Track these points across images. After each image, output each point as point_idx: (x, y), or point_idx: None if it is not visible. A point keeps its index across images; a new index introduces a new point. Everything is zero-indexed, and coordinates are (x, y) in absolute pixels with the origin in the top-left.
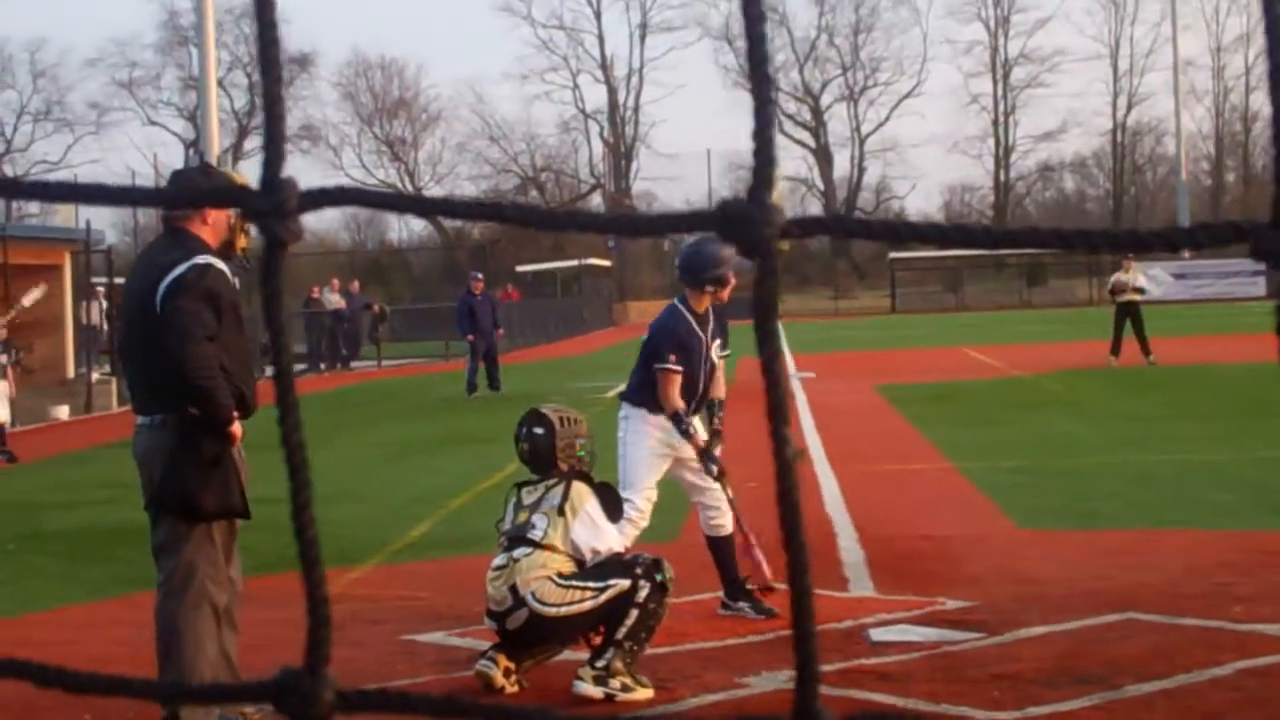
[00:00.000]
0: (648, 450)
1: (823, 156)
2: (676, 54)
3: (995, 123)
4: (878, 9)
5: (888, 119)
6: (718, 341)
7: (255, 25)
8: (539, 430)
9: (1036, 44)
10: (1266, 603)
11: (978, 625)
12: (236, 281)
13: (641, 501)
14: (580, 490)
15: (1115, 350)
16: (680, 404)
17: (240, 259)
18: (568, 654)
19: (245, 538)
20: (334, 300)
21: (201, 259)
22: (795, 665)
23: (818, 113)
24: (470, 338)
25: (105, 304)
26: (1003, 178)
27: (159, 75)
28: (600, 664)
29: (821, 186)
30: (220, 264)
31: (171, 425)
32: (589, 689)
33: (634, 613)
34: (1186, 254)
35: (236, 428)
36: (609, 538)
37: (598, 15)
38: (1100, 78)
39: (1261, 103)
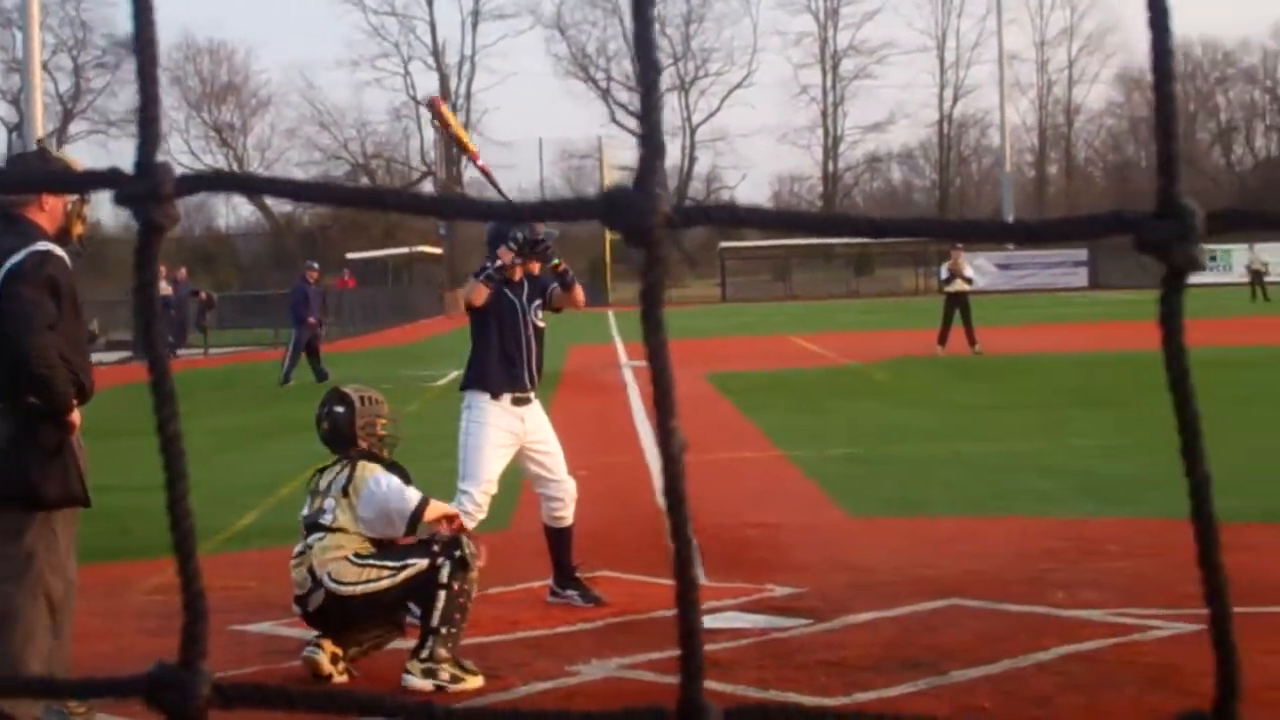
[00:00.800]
0: (490, 441)
1: None
2: (508, 42)
3: (824, 114)
4: (709, 0)
5: (718, 109)
6: (537, 302)
7: (131, 4)
8: (339, 409)
9: (865, 36)
10: (1087, 589)
11: (806, 612)
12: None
13: (479, 495)
14: (364, 469)
15: (942, 339)
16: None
17: (75, 245)
18: (398, 643)
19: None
20: (160, 287)
21: (41, 245)
22: (680, 657)
23: None
24: (312, 321)
25: None
26: (831, 168)
27: None
28: (424, 655)
29: None
30: (59, 251)
31: (9, 414)
32: (417, 682)
33: (441, 594)
34: (1011, 245)
35: (75, 416)
36: (406, 494)
37: (429, 2)
38: (927, 70)
39: (1085, 95)
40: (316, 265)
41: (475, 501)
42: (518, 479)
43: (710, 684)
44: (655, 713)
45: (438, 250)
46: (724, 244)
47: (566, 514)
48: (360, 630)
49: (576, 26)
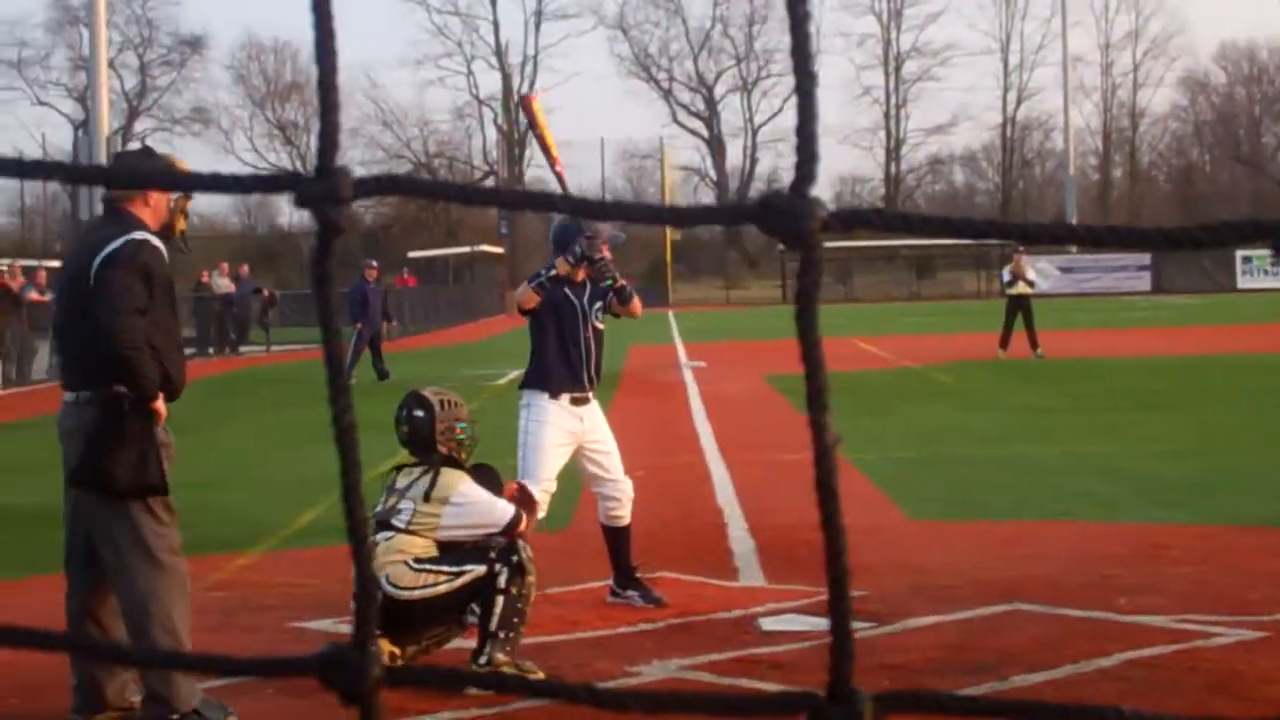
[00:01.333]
0: (549, 440)
1: (716, 146)
2: (571, 42)
3: (887, 115)
4: (772, 1)
5: (781, 110)
6: (598, 304)
7: (312, 14)
8: (419, 413)
9: (928, 38)
10: (1150, 594)
11: (868, 615)
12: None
13: (539, 493)
14: (449, 477)
15: (1004, 343)
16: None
17: (178, 241)
18: (459, 642)
19: None
20: (223, 284)
21: (138, 234)
22: (831, 644)
23: (711, 103)
24: (358, 325)
25: None
26: (893, 170)
27: (48, 55)
28: (482, 660)
29: (714, 176)
30: (156, 241)
31: (95, 402)
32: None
33: (500, 600)
34: (1074, 248)
35: (160, 405)
36: (498, 509)
37: (493, 1)
38: (991, 72)
39: (1149, 99)
40: (375, 263)
41: (547, 490)
42: (579, 479)
43: (772, 685)
44: (806, 695)
45: (499, 249)
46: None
47: (624, 514)
48: (418, 630)
49: (639, 27)
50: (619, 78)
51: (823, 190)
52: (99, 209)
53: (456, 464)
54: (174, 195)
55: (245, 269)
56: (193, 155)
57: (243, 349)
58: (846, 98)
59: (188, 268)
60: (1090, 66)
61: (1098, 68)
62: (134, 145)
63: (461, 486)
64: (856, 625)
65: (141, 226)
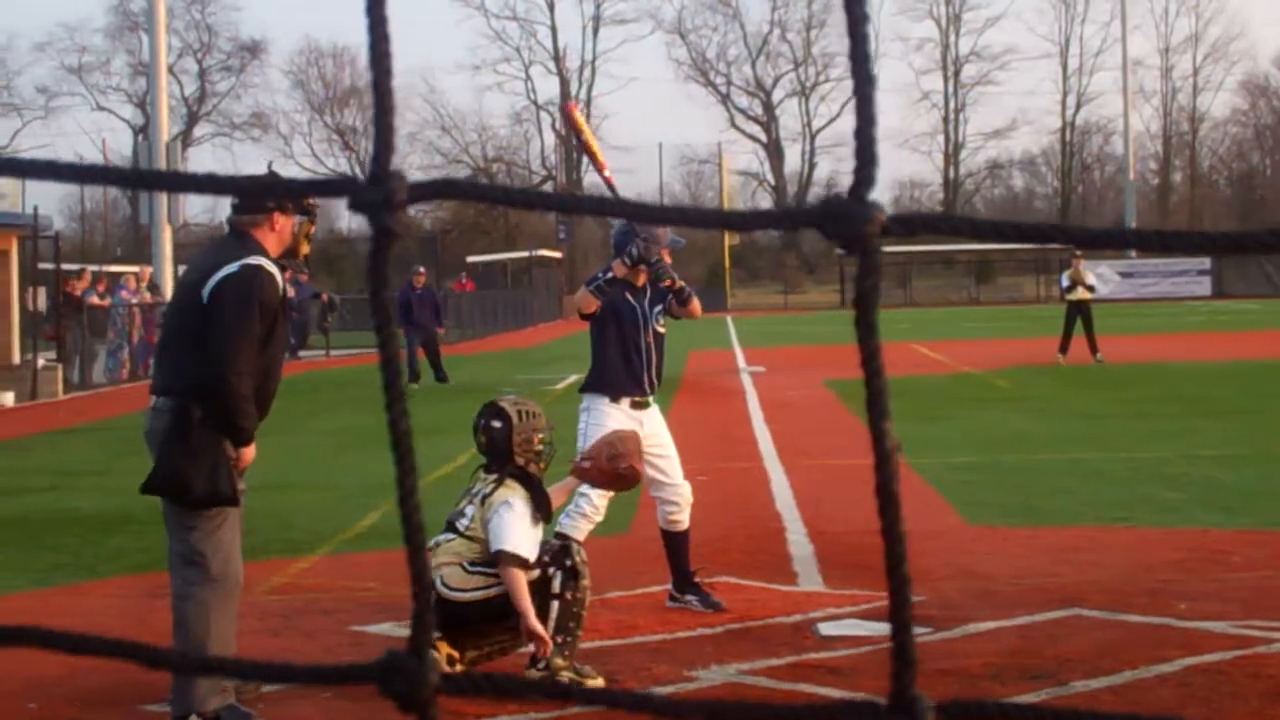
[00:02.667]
0: None
1: (774, 151)
2: (629, 47)
3: (945, 120)
4: (830, 5)
5: (839, 115)
6: (658, 307)
7: (366, 17)
8: (497, 423)
9: (987, 42)
10: (1212, 601)
11: (926, 620)
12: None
13: (597, 496)
14: (505, 490)
15: (1064, 348)
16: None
17: (298, 264)
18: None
19: None
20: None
21: (254, 260)
22: (892, 651)
23: (769, 107)
24: (400, 329)
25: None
26: (952, 174)
27: (108, 60)
28: (540, 665)
29: (773, 181)
30: (272, 267)
31: (174, 411)
32: None
33: (555, 605)
34: (1134, 252)
35: (250, 452)
36: (505, 536)
37: (551, 7)
38: (1050, 76)
39: (1209, 103)
40: (423, 270)
41: (593, 504)
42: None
43: (829, 690)
44: (869, 705)
45: (557, 254)
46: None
47: (682, 518)
48: (478, 635)
49: (697, 31)
50: (677, 82)
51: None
52: (160, 213)
53: (525, 478)
54: (299, 219)
55: (304, 274)
56: (252, 161)
57: (302, 353)
58: (905, 102)
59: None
60: (1150, 70)
61: (1157, 71)
62: (199, 149)
63: (508, 500)
64: (915, 631)
65: (262, 251)
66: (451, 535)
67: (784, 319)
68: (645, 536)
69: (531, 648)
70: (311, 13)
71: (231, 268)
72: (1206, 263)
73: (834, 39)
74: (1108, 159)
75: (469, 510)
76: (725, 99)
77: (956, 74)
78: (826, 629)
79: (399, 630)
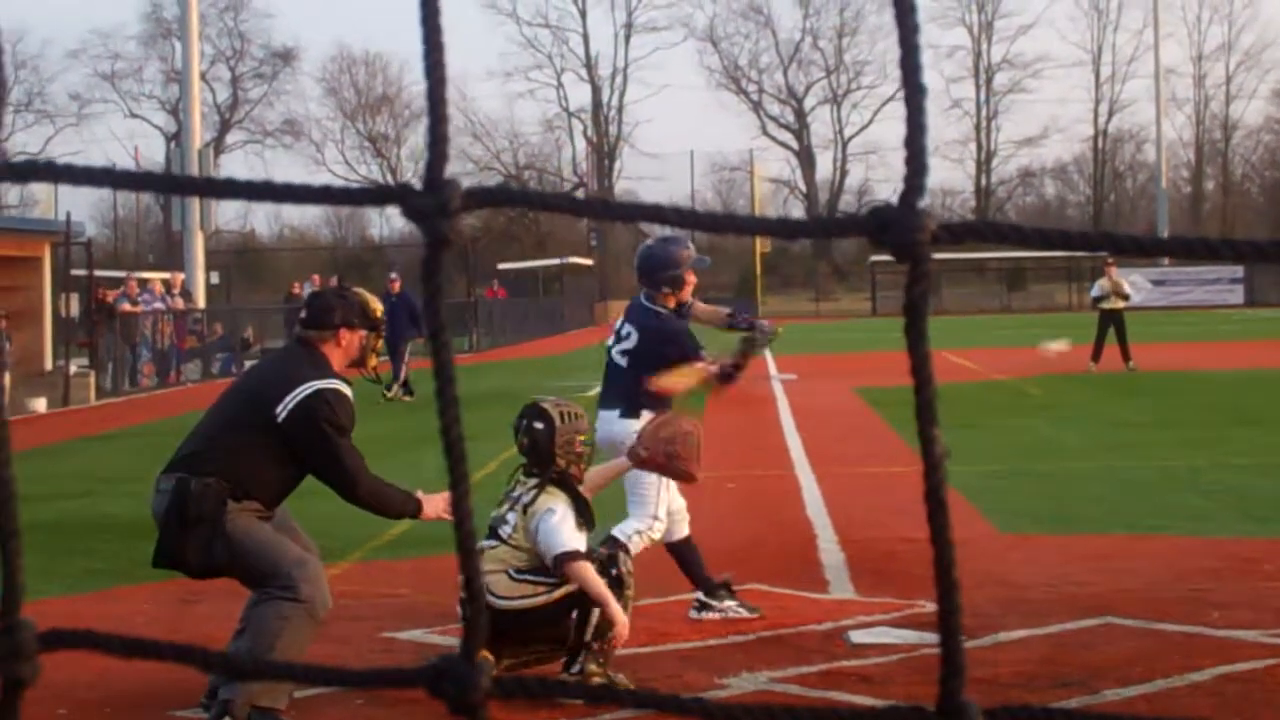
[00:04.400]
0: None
1: (805, 159)
2: (661, 54)
3: (977, 127)
4: (862, 13)
5: (870, 122)
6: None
7: (421, 27)
8: (539, 425)
9: (1019, 50)
10: (1244, 609)
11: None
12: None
13: (663, 514)
14: (548, 496)
15: (1096, 356)
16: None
17: (370, 374)
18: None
19: None
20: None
21: (329, 384)
22: (941, 658)
23: (801, 115)
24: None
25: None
26: (984, 182)
27: (141, 68)
28: (575, 670)
29: (804, 189)
30: (344, 388)
31: (202, 484)
32: None
33: (596, 612)
34: (1166, 260)
35: (432, 505)
36: (555, 538)
37: (583, 14)
38: (1082, 84)
39: (1242, 111)
40: (395, 276)
41: (660, 521)
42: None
43: (862, 698)
44: (916, 710)
45: (588, 262)
46: (874, 257)
47: (681, 529)
48: (518, 643)
49: (729, 39)
50: (709, 90)
51: None
52: (192, 219)
53: (565, 483)
54: (365, 333)
55: (335, 280)
56: (283, 168)
57: None
58: (936, 110)
59: (280, 280)
60: (1182, 78)
61: (1190, 80)
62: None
63: (551, 507)
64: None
65: (328, 366)
66: (495, 542)
67: (815, 327)
68: None
69: (576, 665)
70: (344, 20)
71: (307, 390)
72: (1239, 271)
73: (865, 47)
74: (1140, 167)
75: (511, 518)
76: (757, 106)
77: (988, 82)
78: (858, 637)
79: (430, 637)
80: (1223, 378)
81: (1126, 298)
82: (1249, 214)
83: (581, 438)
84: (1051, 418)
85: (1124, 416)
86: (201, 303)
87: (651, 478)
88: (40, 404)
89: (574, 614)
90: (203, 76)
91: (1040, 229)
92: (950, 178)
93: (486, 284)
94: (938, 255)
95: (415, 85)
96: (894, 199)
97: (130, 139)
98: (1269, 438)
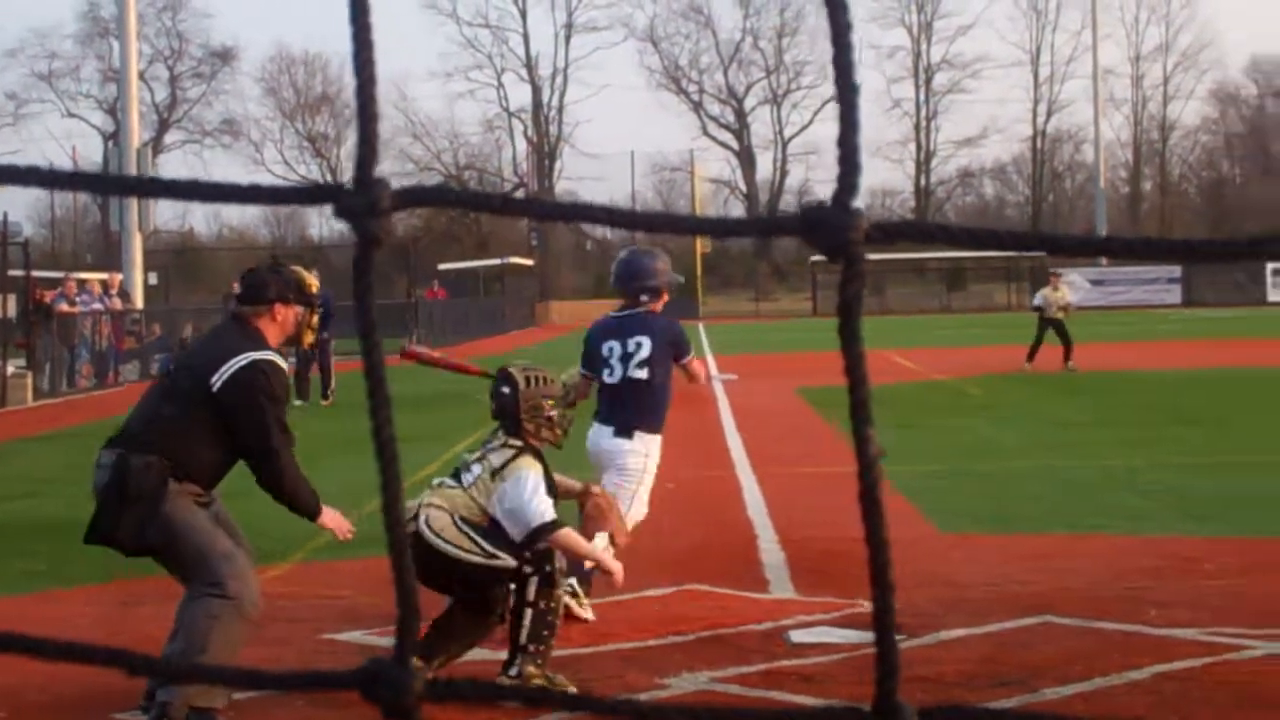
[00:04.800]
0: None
1: (745, 159)
2: (601, 54)
3: (917, 128)
4: (802, 13)
5: (811, 122)
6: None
7: (350, 25)
8: (505, 389)
9: (959, 50)
10: (1182, 608)
11: (899, 628)
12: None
13: (630, 524)
14: (523, 462)
15: (1031, 356)
16: None
17: (308, 352)
18: (480, 654)
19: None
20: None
21: (262, 355)
22: (876, 657)
23: (741, 115)
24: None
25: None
26: (923, 182)
27: (79, 67)
28: (513, 673)
29: (744, 189)
30: (278, 360)
31: (146, 460)
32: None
33: (528, 613)
34: (1104, 260)
35: (329, 518)
36: (531, 508)
37: (523, 14)
38: (1021, 84)
39: (1180, 112)
40: (314, 273)
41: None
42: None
43: (801, 698)
44: (853, 710)
45: (529, 262)
46: (815, 257)
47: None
48: (441, 588)
49: (669, 39)
50: (649, 90)
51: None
52: (130, 220)
53: (540, 456)
54: (301, 309)
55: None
56: (222, 167)
57: None
58: (877, 110)
59: (219, 280)
60: (1120, 79)
61: (1128, 80)
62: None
63: (524, 471)
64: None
65: (263, 341)
66: (455, 484)
67: (756, 326)
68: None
69: (503, 655)
70: (283, 20)
71: (241, 360)
72: (1177, 271)
73: (806, 47)
74: (1078, 167)
75: (476, 469)
76: (697, 107)
77: (928, 82)
78: (798, 636)
79: (370, 638)
80: (1161, 377)
81: (1067, 310)
82: (1186, 214)
83: (550, 402)
84: (991, 418)
85: (1063, 416)
86: (139, 303)
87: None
88: None
89: (502, 594)
90: (141, 76)
91: (970, 229)
92: (890, 178)
93: (427, 284)
94: (878, 255)
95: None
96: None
97: (68, 139)
98: (1207, 437)
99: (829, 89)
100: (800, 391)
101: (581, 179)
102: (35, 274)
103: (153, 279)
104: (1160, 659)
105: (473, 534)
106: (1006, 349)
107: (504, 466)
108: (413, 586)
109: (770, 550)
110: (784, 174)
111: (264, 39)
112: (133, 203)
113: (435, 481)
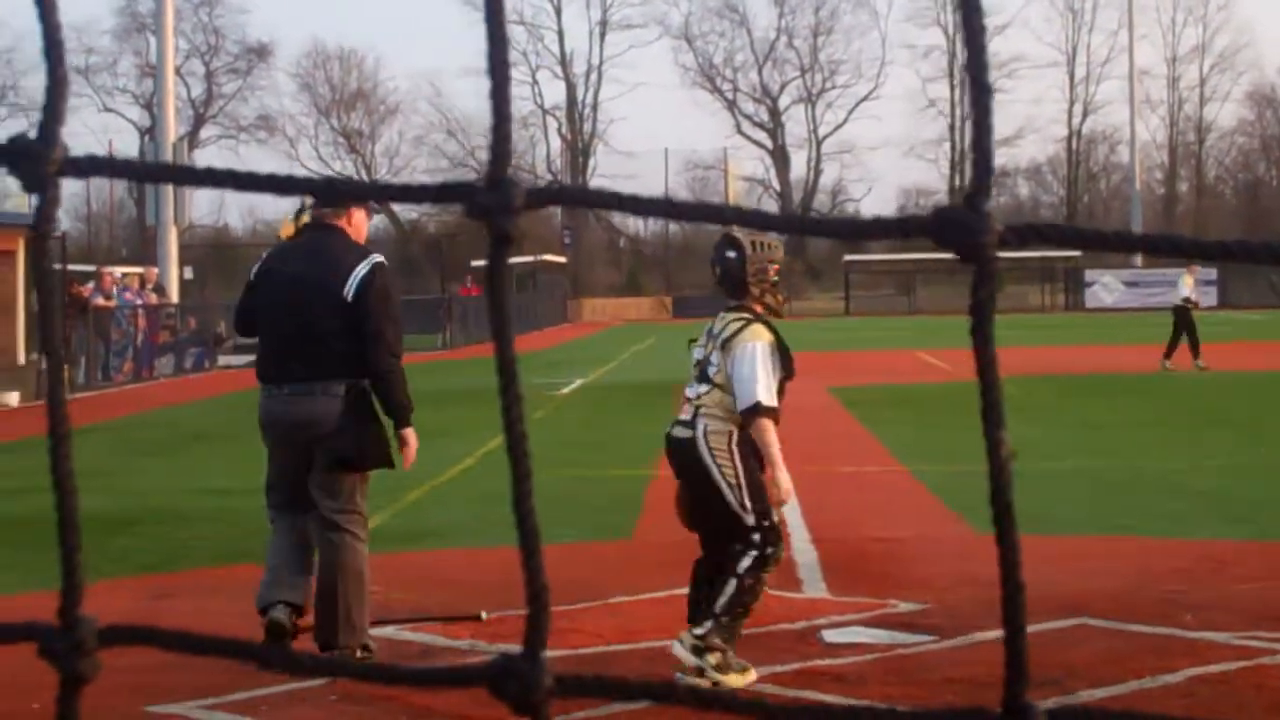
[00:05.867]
0: None
1: (780, 158)
2: (636, 52)
3: (951, 127)
4: (837, 12)
5: (845, 121)
6: None
7: (486, 26)
8: (731, 254)
9: (994, 49)
10: (1217, 611)
11: (931, 628)
12: None
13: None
14: (752, 331)
15: (1190, 351)
16: None
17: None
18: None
19: (200, 528)
20: None
21: (376, 257)
22: (1006, 657)
23: (775, 114)
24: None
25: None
26: (958, 182)
27: (115, 62)
28: (699, 632)
29: (778, 188)
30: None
31: (341, 394)
32: (681, 651)
33: (732, 583)
34: (1139, 261)
35: (412, 433)
36: (750, 385)
37: (558, 11)
38: (1057, 85)
39: (1216, 113)
40: None
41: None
42: (640, 489)
43: (836, 698)
44: (978, 712)
45: (561, 259)
46: (849, 257)
47: None
48: (690, 495)
49: (704, 37)
50: (683, 88)
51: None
52: (166, 214)
53: (768, 323)
54: (367, 209)
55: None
56: (257, 163)
57: None
58: (911, 109)
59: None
60: (1157, 80)
61: (1164, 81)
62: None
63: (751, 345)
64: (919, 639)
65: (357, 244)
66: (707, 386)
67: (788, 325)
68: (648, 542)
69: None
70: (319, 16)
71: (365, 268)
72: (1212, 273)
73: (840, 46)
74: (1113, 168)
75: (715, 358)
76: (731, 105)
77: (964, 82)
78: (831, 636)
79: (401, 634)
80: (1195, 380)
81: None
82: (1222, 216)
83: (775, 266)
84: (1025, 418)
85: (1096, 418)
86: (175, 297)
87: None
88: (13, 398)
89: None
90: (177, 71)
91: (1099, 231)
92: (924, 178)
93: (460, 281)
94: (910, 255)
95: (390, 81)
96: (865, 200)
97: (104, 133)
98: (1241, 439)
99: (863, 88)
100: (833, 390)
101: (615, 177)
102: (71, 268)
103: (188, 273)
104: (1195, 662)
105: (740, 467)
106: (1039, 350)
107: (733, 337)
108: (545, 583)
109: (803, 549)
110: (818, 173)
111: (300, 35)
112: (169, 197)
113: (691, 393)
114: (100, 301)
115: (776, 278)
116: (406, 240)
